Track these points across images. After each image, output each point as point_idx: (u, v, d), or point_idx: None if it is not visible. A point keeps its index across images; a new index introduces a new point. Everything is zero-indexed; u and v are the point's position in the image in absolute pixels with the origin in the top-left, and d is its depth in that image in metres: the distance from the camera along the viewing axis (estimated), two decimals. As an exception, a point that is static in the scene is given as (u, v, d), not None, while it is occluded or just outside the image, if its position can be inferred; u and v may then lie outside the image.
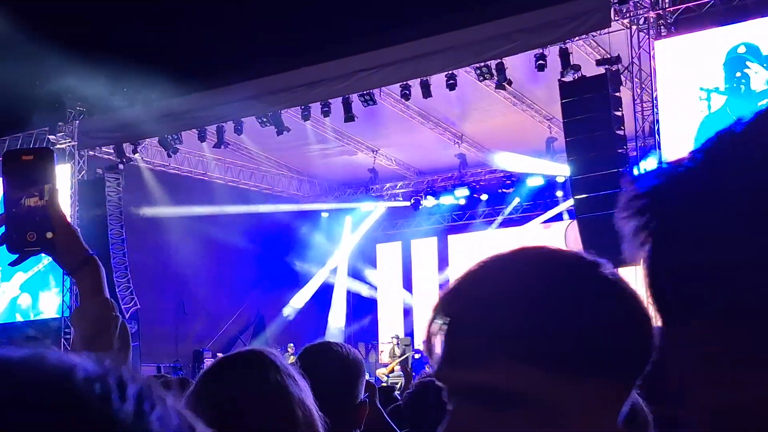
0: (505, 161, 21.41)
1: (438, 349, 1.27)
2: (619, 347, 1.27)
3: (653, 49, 15.48)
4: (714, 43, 15.01)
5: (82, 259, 2.23)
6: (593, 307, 1.26)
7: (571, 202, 16.74)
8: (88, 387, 0.66)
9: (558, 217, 22.02)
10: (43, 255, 2.22)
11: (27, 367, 0.66)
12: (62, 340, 18.88)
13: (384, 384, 16.01)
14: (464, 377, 1.24)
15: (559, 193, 21.40)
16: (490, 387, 1.22)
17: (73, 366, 0.67)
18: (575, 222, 16.25)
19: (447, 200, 23.46)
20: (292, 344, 20.42)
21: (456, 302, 1.28)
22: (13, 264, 2.22)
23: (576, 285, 1.27)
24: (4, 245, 2.16)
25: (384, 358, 21.72)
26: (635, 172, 15.88)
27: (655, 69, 15.42)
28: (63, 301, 20.28)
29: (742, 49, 14.73)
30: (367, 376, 3.20)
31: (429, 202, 23.56)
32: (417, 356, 20.39)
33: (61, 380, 0.66)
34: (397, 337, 21.34)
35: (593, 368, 1.24)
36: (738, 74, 14.72)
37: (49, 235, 2.17)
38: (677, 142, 15.09)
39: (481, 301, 1.26)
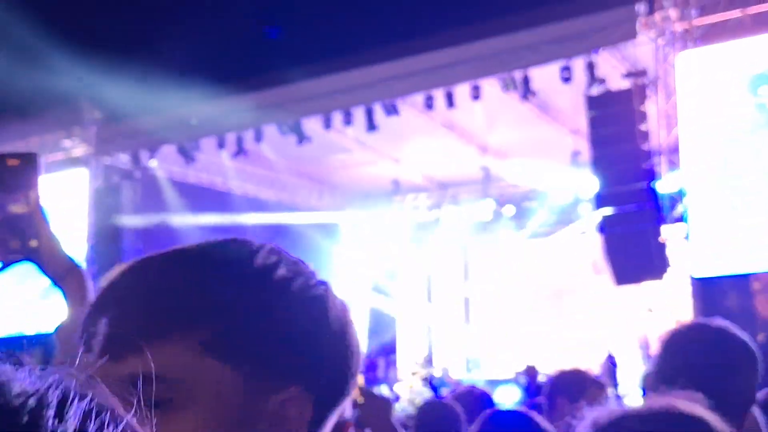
0: (528, 174, 21.28)
1: (96, 347, 1.09)
2: (313, 359, 1.14)
3: (680, 61, 15.39)
4: (739, 56, 14.84)
5: (66, 268, 2.16)
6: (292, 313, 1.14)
7: (595, 216, 16.57)
8: (21, 402, 0.61)
9: (583, 232, 21.84)
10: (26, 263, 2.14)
11: None
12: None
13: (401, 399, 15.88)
14: (129, 368, 1.06)
15: (584, 208, 21.24)
16: (160, 376, 1.04)
17: (10, 379, 0.62)
18: (600, 237, 16.08)
19: (471, 213, 23.31)
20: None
21: (119, 292, 1.12)
22: (-3, 272, 2.12)
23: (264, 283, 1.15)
24: None
25: (402, 373, 21.54)
26: (659, 187, 15.76)
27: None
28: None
29: (763, 68, 14.54)
30: (387, 391, 3.16)
31: (451, 214, 23.45)
32: (438, 374, 20.12)
33: None
34: (424, 361, 21.40)
35: (282, 375, 1.12)
36: (761, 91, 14.53)
37: (34, 243, 2.09)
38: (698, 156, 14.95)
39: (151, 284, 1.11)
